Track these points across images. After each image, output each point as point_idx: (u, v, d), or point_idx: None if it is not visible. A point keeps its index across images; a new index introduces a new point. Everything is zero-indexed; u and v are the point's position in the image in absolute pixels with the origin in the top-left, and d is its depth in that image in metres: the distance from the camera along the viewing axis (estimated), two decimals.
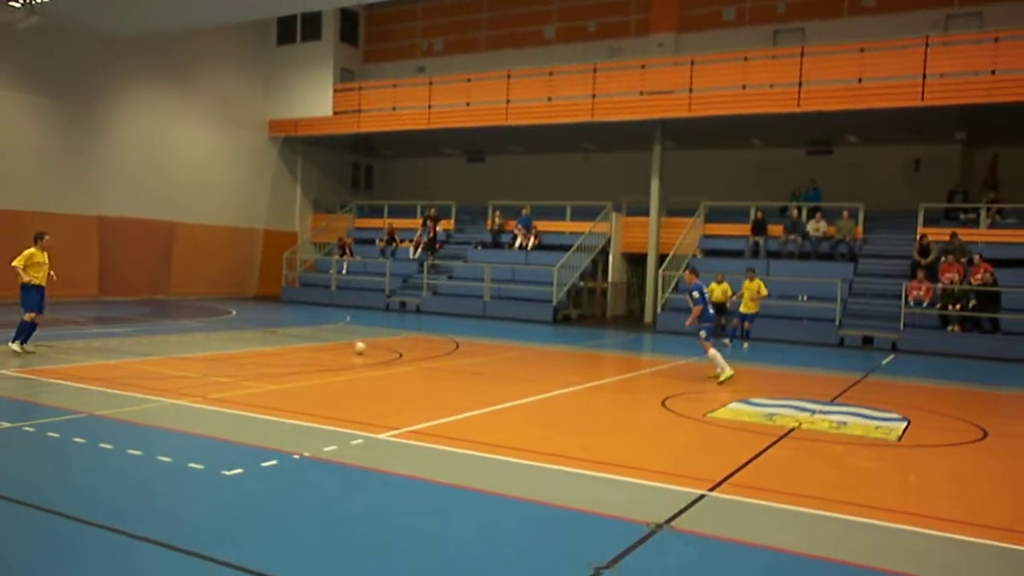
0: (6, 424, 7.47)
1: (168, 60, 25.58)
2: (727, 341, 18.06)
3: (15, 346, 11.69)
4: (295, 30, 29.01)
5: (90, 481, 5.92)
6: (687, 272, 12.89)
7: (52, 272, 12.30)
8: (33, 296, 11.96)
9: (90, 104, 23.63)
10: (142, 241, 25.06)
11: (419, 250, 27.11)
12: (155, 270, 25.74)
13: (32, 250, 12.07)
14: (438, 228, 27.62)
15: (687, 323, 12.71)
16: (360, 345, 13.66)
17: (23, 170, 22.04)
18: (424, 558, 4.61)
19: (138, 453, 6.57)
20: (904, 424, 9.22)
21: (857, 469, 7.20)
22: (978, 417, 9.97)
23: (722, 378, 11.68)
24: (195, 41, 26.01)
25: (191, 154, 26.65)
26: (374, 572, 4.38)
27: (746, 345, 18.15)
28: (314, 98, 28.55)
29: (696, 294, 12.30)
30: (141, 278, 25.34)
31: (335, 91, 28.42)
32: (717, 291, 19.66)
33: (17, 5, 18.09)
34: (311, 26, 28.81)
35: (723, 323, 19.90)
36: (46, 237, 12.31)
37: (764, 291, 18.30)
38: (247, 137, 28.59)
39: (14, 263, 11.98)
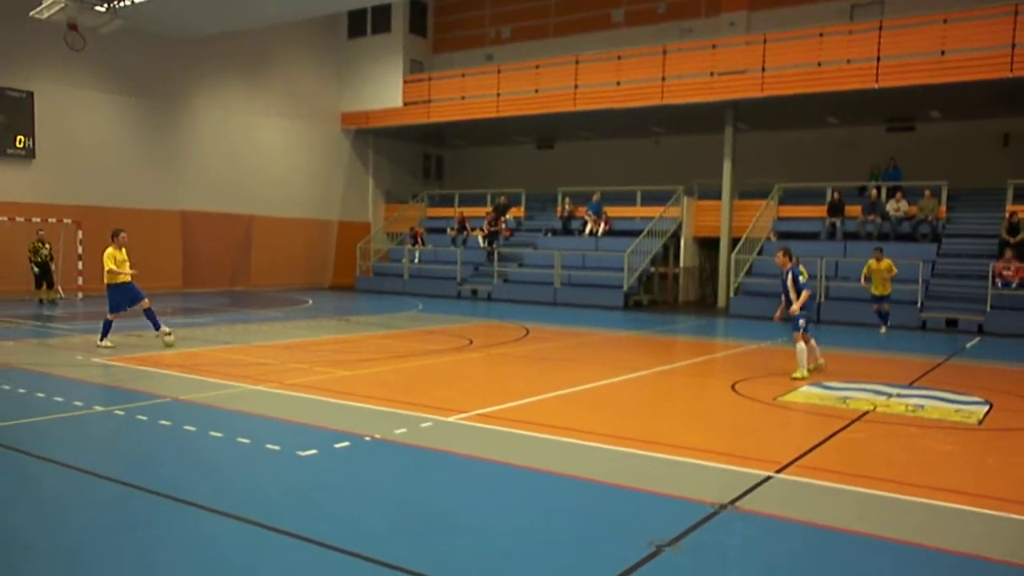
0: (99, 408, 7.91)
1: (242, 57, 26.35)
2: (882, 329, 17.58)
3: (106, 342, 12.08)
4: (365, 23, 29.48)
5: (175, 460, 6.24)
6: (780, 254, 11.38)
7: (133, 269, 12.44)
8: (116, 295, 12.16)
9: (170, 102, 24.55)
10: (222, 234, 25.94)
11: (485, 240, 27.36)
12: (235, 262, 26.62)
13: (111, 249, 12.20)
14: (505, 217, 27.75)
15: (792, 310, 10.94)
16: (169, 339, 12.38)
17: (110, 168, 23.08)
18: (486, 533, 4.73)
19: (219, 435, 6.88)
20: (986, 408, 8.93)
21: (932, 452, 7.02)
22: None
23: (797, 374, 10.70)
24: (267, 37, 26.71)
25: (266, 148, 27.42)
26: (439, 545, 4.52)
27: (883, 330, 17.56)
28: (384, 90, 28.99)
29: (801, 278, 11.02)
30: (222, 270, 26.26)
31: (405, 82, 28.79)
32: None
33: (102, 10, 18.88)
34: (381, 19, 29.24)
35: None
36: (122, 234, 12.46)
37: (894, 270, 17.60)
38: (320, 130, 29.25)
39: (106, 267, 12.08)
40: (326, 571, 4.15)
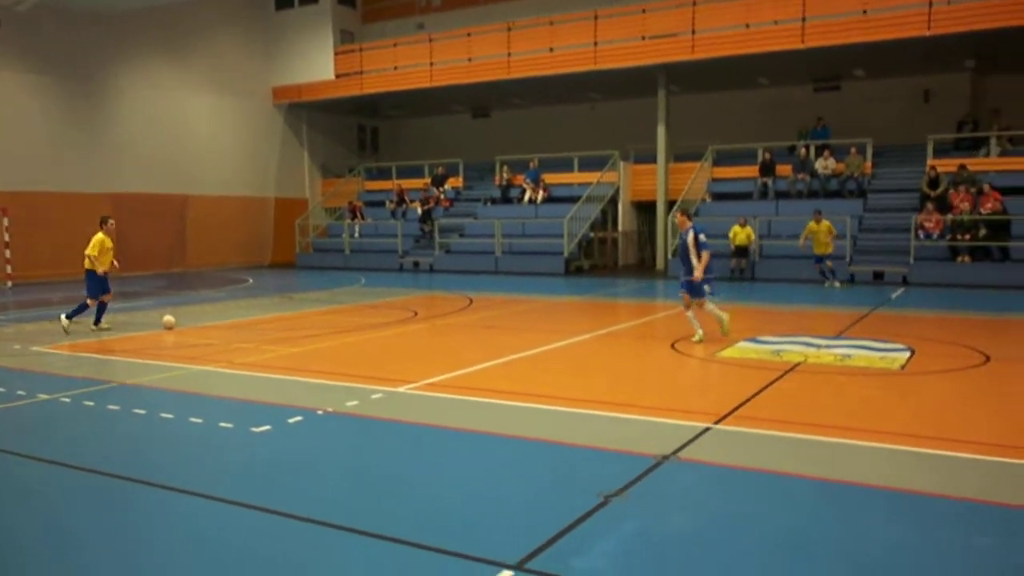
0: (44, 396, 7.84)
1: (168, 32, 25.61)
2: (837, 284, 18.30)
3: (103, 323, 12.12)
4: None
5: (127, 443, 6.27)
6: (678, 214, 11.31)
7: (115, 261, 12.34)
8: (98, 282, 12.03)
9: (95, 82, 23.79)
10: (156, 216, 25.37)
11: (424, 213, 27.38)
12: (170, 243, 26.11)
13: (101, 235, 12.06)
14: (444, 187, 27.73)
15: (696, 276, 10.60)
16: (168, 319, 12.37)
17: (34, 150, 22.31)
18: (440, 494, 4.93)
19: (170, 416, 6.91)
20: (908, 354, 9.45)
21: (857, 397, 7.45)
22: (982, 343, 10.18)
23: (696, 338, 10.43)
24: (193, 11, 26.01)
25: (197, 126, 26.82)
26: (393, 508, 4.70)
27: (838, 285, 18.33)
28: (315, 62, 28.53)
29: (702, 237, 10.58)
30: (157, 252, 25.72)
31: (336, 54, 28.37)
32: (741, 235, 19.93)
33: None
34: None
35: (743, 267, 20.17)
36: (111, 221, 12.37)
37: (834, 231, 18.59)
38: (251, 106, 28.70)
39: (88, 251, 11.96)
40: (289, 538, 4.29)
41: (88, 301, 12.01)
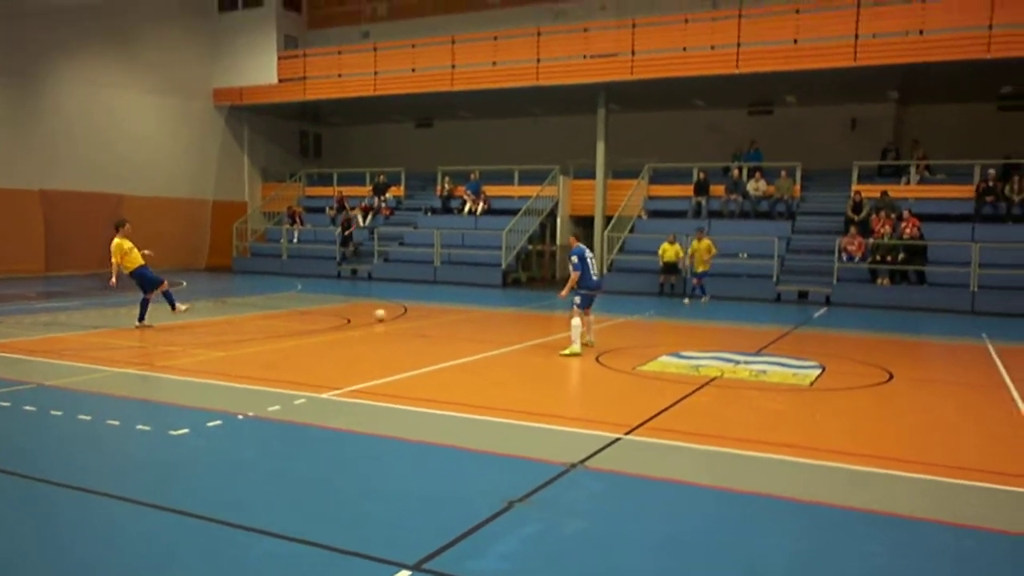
0: None
1: (108, 29, 25.16)
2: (686, 300, 18.87)
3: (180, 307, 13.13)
4: None
5: (41, 445, 6.25)
6: (571, 237, 12.25)
7: (146, 251, 13.19)
8: (145, 279, 12.85)
9: (28, 76, 23.22)
10: (89, 214, 24.78)
11: (368, 218, 27.34)
12: (104, 244, 25.27)
13: (117, 240, 12.75)
14: (385, 196, 27.76)
15: (561, 294, 11.91)
16: (380, 312, 14.11)
17: None
18: (353, 498, 5.06)
19: (87, 418, 6.89)
20: (819, 371, 9.88)
21: (767, 411, 7.80)
22: (889, 362, 10.68)
23: (567, 352, 10.72)
24: (135, 9, 25.63)
25: (135, 126, 26.36)
26: (307, 511, 4.81)
27: (704, 300, 19.13)
28: (258, 66, 28.32)
29: (575, 259, 11.19)
30: (90, 252, 25.08)
31: (279, 58, 28.20)
32: (670, 251, 20.51)
33: None
34: None
35: (672, 282, 20.69)
36: (127, 225, 13.08)
37: (714, 249, 19.25)
38: (192, 107, 28.32)
39: (113, 260, 12.78)
40: (205, 541, 4.37)
41: (148, 296, 12.79)
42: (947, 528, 4.79)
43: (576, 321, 10.99)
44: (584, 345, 11.03)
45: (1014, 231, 19.08)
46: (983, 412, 8.11)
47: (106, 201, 25.29)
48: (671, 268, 20.60)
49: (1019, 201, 19.82)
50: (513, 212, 24.48)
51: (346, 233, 26.31)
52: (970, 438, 7.10)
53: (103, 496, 4.99)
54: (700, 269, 19.45)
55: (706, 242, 19.43)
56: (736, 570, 4.13)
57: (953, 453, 6.52)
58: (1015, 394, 8.77)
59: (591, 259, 11.36)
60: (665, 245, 20.63)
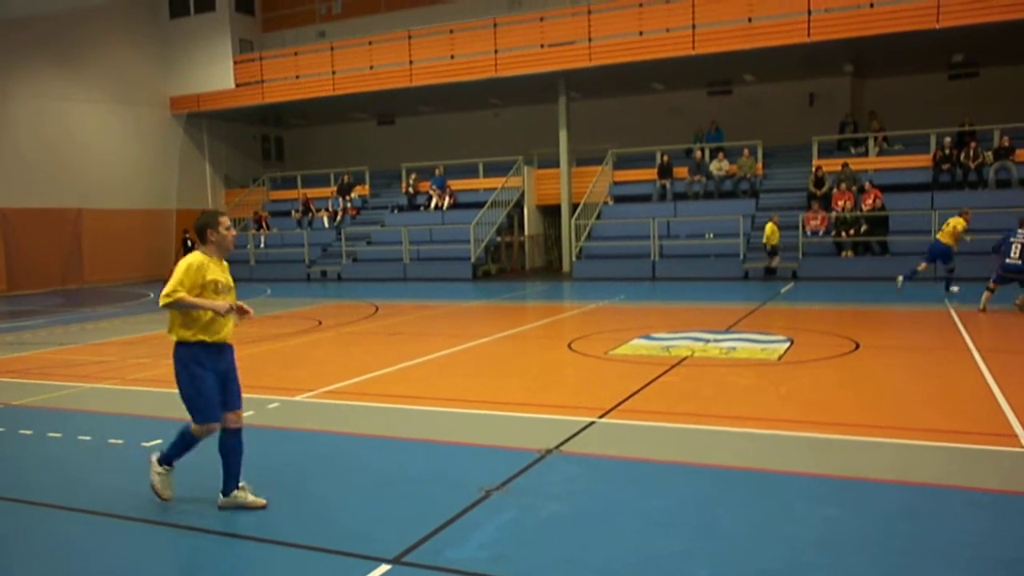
0: None
1: (58, 41, 24.74)
2: (954, 288, 15.37)
3: None
4: (188, 1, 28.29)
5: (12, 463, 6.17)
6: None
7: None
8: None
9: None
10: (48, 230, 24.48)
11: (336, 219, 27.21)
12: (65, 259, 25.22)
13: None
14: (350, 196, 27.64)
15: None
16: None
17: None
18: (330, 496, 5.07)
19: (58, 435, 6.82)
20: (787, 344, 10.03)
21: (736, 386, 7.91)
22: (855, 332, 10.87)
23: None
24: (84, 20, 25.22)
25: (91, 137, 25.97)
26: (280, 511, 4.82)
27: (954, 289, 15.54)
28: (214, 71, 28.01)
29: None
30: (51, 269, 24.82)
31: (235, 63, 27.92)
32: (776, 235, 19.48)
33: None
34: None
35: (774, 265, 19.82)
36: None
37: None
38: (148, 116, 27.95)
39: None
40: (183, 549, 4.37)
41: None
42: (904, 487, 4.91)
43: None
44: None
45: (971, 197, 19.43)
46: (944, 374, 8.30)
47: (64, 216, 24.99)
48: (774, 251, 20.00)
49: (975, 167, 20.20)
50: (480, 205, 24.49)
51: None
52: (931, 400, 7.26)
53: (75, 511, 4.95)
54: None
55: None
56: (705, 540, 4.20)
57: (914, 415, 6.66)
58: (976, 355, 8.98)
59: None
60: (771, 226, 19.68)
